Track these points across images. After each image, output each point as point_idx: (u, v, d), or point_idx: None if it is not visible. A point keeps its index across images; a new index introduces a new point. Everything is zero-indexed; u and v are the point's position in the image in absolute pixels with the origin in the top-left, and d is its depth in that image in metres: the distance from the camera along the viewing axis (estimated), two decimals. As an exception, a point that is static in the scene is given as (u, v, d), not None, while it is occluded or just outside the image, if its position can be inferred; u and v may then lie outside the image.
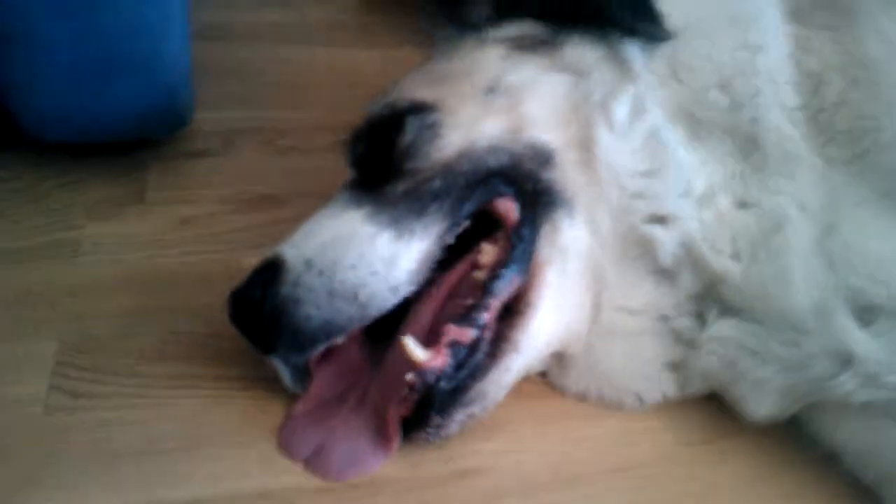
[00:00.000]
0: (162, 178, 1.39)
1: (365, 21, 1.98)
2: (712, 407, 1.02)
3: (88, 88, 1.24)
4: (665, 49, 1.00)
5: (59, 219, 1.28)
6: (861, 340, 0.86)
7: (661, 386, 1.02)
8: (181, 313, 1.12)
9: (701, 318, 0.99)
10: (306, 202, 1.04)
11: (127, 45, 1.21)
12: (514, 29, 1.08)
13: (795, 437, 0.99)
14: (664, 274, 0.98)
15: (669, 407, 1.03)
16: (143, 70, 1.25)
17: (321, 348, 0.94)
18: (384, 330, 0.98)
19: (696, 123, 0.97)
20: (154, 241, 1.26)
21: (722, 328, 0.96)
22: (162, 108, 1.31)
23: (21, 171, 1.36)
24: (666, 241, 0.95)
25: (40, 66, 1.21)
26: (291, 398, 1.00)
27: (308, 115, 1.56)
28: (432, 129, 1.01)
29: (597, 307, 0.99)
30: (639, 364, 1.01)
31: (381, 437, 0.94)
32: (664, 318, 0.99)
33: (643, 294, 0.98)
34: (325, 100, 1.60)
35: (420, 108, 1.03)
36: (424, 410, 0.92)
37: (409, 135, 1.01)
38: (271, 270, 0.95)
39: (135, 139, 1.39)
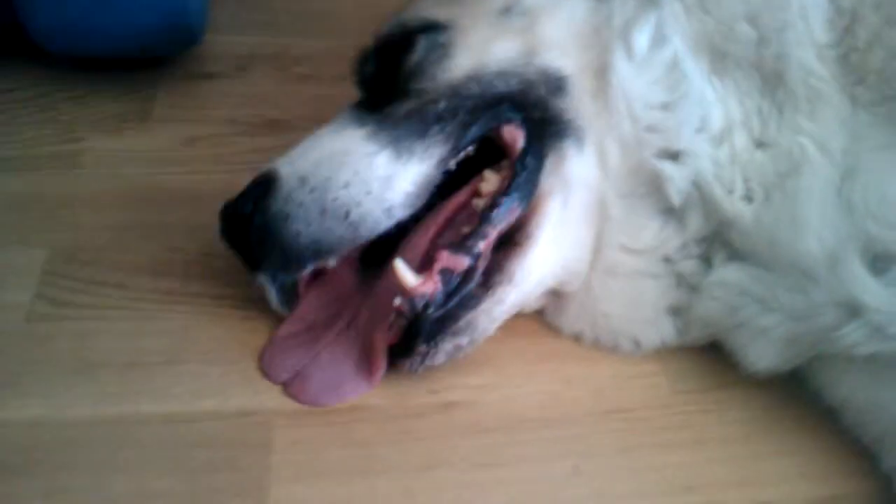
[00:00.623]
0: (170, 97, 1.36)
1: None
2: (711, 356, 0.98)
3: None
4: None
5: (62, 130, 1.27)
6: (872, 290, 0.81)
7: (660, 330, 0.98)
8: (176, 231, 1.11)
9: (707, 262, 0.95)
10: (314, 128, 1.00)
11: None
12: None
13: (795, 392, 0.95)
14: (671, 213, 0.93)
15: (667, 353, 0.99)
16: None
17: (309, 268, 0.92)
18: (382, 258, 0.94)
19: (719, 56, 0.92)
20: (156, 158, 1.24)
21: (727, 272, 0.92)
22: (171, 25, 1.28)
23: (29, 82, 1.35)
24: (676, 177, 0.91)
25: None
26: (280, 320, 0.98)
27: (328, 43, 1.51)
28: (442, 49, 0.97)
29: (598, 245, 0.95)
30: (638, 306, 0.97)
31: (366, 363, 0.91)
32: (668, 260, 0.95)
33: (648, 234, 0.94)
34: (348, 29, 1.51)
35: (431, 27, 0.99)
36: (411, 338, 0.89)
37: (417, 54, 0.97)
38: (264, 185, 0.92)
39: (143, 55, 1.37)
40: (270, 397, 0.91)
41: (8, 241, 1.06)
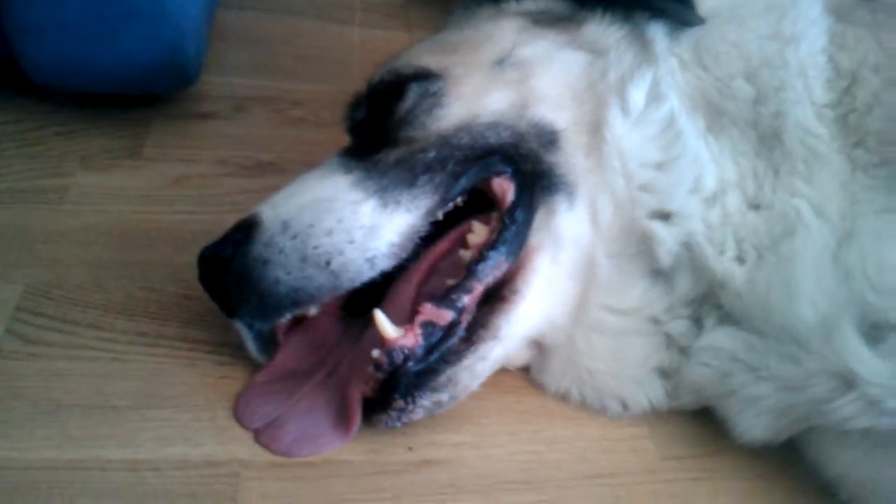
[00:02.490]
0: (163, 135, 1.35)
1: (408, 8, 1.92)
2: (702, 421, 0.95)
3: (92, 35, 1.21)
4: (691, 33, 0.94)
5: (51, 165, 1.25)
6: (867, 360, 0.78)
7: (647, 392, 0.95)
8: (156, 270, 1.08)
9: (698, 324, 0.92)
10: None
11: (133, -12, 1.17)
12: (533, 3, 1.04)
13: (789, 462, 0.91)
14: (660, 274, 0.91)
15: (655, 416, 0.96)
16: (147, 20, 1.21)
17: (288, 316, 0.89)
18: (365, 305, 0.92)
19: (716, 114, 0.91)
20: (143, 196, 1.22)
21: (718, 337, 0.89)
22: (166, 63, 1.27)
23: (21, 116, 1.33)
24: (667, 238, 0.89)
25: (44, 8, 1.18)
26: (256, 367, 0.95)
27: (326, 87, 1.51)
28: (434, 98, 0.95)
29: (582, 301, 0.93)
30: (625, 365, 0.94)
31: (342, 417, 0.88)
32: (655, 321, 0.93)
33: (634, 294, 0.92)
34: (348, 76, 1.52)
35: (424, 76, 0.98)
36: (388, 392, 0.86)
37: (409, 102, 0.96)
38: (246, 230, 0.90)
39: (138, 92, 1.36)
40: (240, 447, 0.88)
41: (-15, 274, 1.04)
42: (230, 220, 0.94)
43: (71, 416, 0.88)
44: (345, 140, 1.02)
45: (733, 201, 0.88)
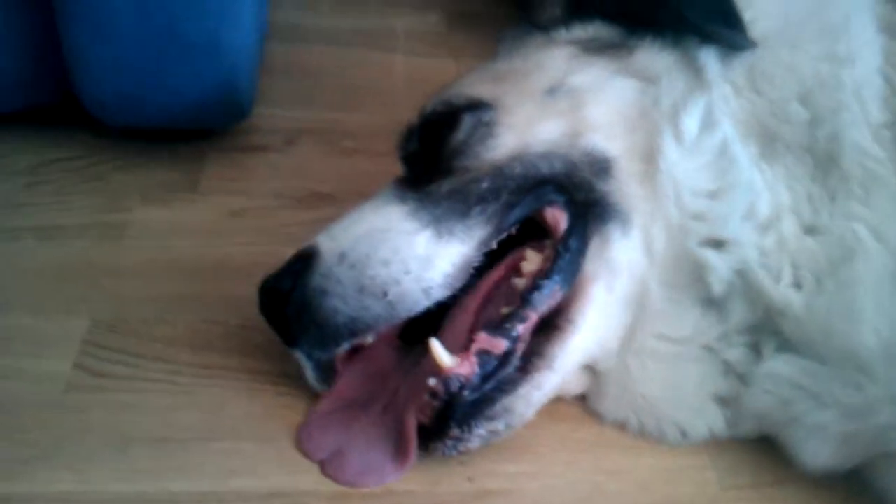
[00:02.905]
0: (218, 169, 1.38)
1: (451, 35, 1.94)
2: (763, 450, 0.93)
3: (148, 70, 1.25)
4: (744, 58, 0.93)
5: (110, 200, 1.29)
6: (933, 387, 0.77)
7: (707, 420, 0.94)
8: (218, 303, 1.10)
9: (757, 352, 0.91)
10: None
11: (188, 24, 1.21)
12: (583, 31, 1.04)
13: (856, 492, 0.89)
14: (712, 303, 0.91)
15: (716, 445, 0.95)
16: (202, 56, 1.25)
17: (346, 346, 0.90)
18: (422, 334, 0.92)
19: (770, 139, 0.90)
20: (202, 230, 1.25)
21: (778, 364, 0.88)
22: (221, 98, 1.30)
23: (80, 151, 1.38)
24: (720, 267, 0.88)
25: (102, 45, 1.22)
26: (316, 397, 0.96)
27: (376, 118, 1.52)
28: (487, 128, 0.96)
29: (635, 330, 0.93)
30: (681, 392, 0.93)
31: (400, 447, 0.89)
32: (710, 349, 0.92)
33: (687, 324, 0.92)
34: (397, 105, 1.53)
35: (476, 106, 0.98)
36: (444, 421, 0.86)
37: (462, 132, 0.97)
38: (305, 261, 0.92)
39: (193, 127, 1.39)
40: (304, 478, 0.89)
41: (52, 309, 1.07)
42: (287, 251, 0.95)
43: (138, 449, 0.90)
44: (397, 170, 1.03)
45: (789, 227, 0.87)
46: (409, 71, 1.77)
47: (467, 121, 0.97)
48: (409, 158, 1.04)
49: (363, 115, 1.56)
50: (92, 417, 0.93)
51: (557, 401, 0.95)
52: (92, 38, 1.21)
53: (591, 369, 0.96)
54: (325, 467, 0.90)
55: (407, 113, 1.05)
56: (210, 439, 0.92)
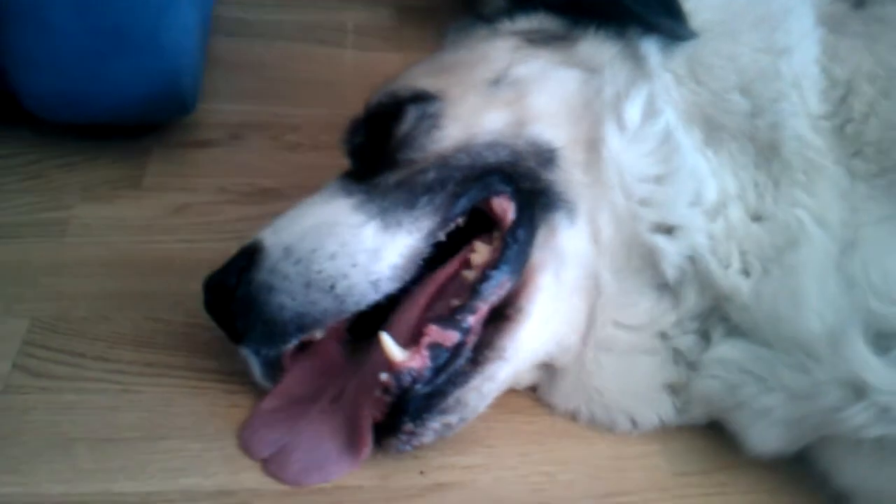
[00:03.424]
0: (162, 165, 1.36)
1: (402, 30, 1.94)
2: (712, 436, 0.95)
3: (89, 67, 1.22)
4: (685, 48, 0.94)
5: (51, 198, 1.26)
6: (876, 369, 0.78)
7: (657, 409, 0.95)
8: (162, 300, 1.08)
9: (705, 338, 0.92)
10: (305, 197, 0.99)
11: (129, 21, 1.18)
12: (527, 22, 1.04)
13: (801, 475, 0.91)
14: (666, 289, 0.91)
15: (665, 433, 0.96)
16: (144, 50, 1.22)
17: (294, 342, 0.89)
18: (370, 329, 0.92)
19: (712, 127, 0.91)
20: (145, 226, 1.23)
21: (726, 350, 0.89)
22: (163, 92, 1.28)
23: (20, 149, 1.34)
24: (671, 252, 0.89)
25: (42, 42, 1.19)
26: (264, 395, 0.94)
27: (321, 111, 1.50)
28: (431, 120, 0.96)
29: (591, 320, 0.93)
30: (634, 383, 0.94)
31: (352, 441, 0.87)
32: (664, 336, 0.93)
33: (642, 309, 0.92)
34: (345, 100, 1.52)
35: (421, 98, 0.98)
36: (398, 415, 0.85)
37: (407, 124, 0.96)
38: (249, 256, 0.90)
39: (136, 123, 1.37)
40: (251, 475, 0.88)
41: (-10, 307, 1.04)
42: (233, 247, 0.94)
43: (80, 450, 0.88)
44: (343, 164, 1.02)
45: (735, 213, 0.88)
46: (358, 65, 1.77)
47: (412, 113, 0.97)
48: (355, 152, 1.03)
49: (309, 110, 1.54)
50: (33, 418, 0.91)
51: (509, 393, 0.95)
52: (31, 33, 1.18)
53: (545, 362, 0.96)
54: (267, 465, 0.88)
55: (356, 107, 1.04)
56: (154, 438, 0.91)
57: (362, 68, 1.72)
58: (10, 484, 0.84)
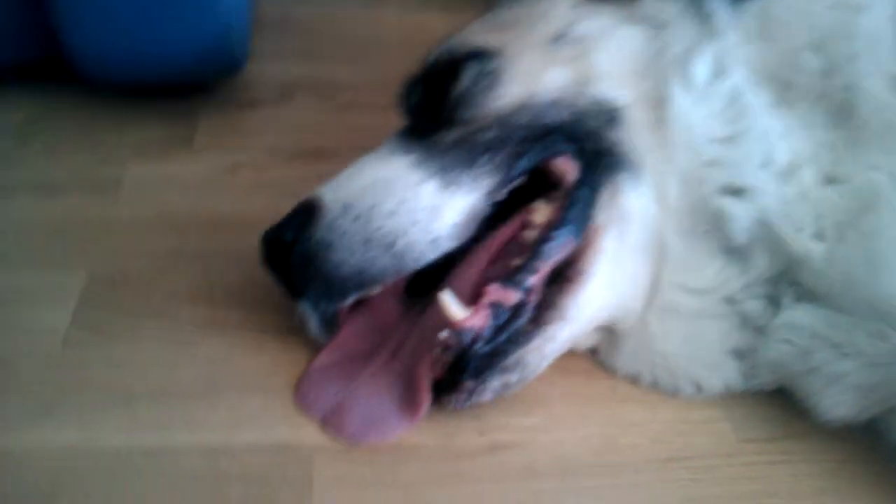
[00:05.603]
0: (213, 124, 1.35)
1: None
2: (780, 402, 0.92)
3: (140, 27, 1.22)
4: (755, 4, 0.91)
5: (103, 157, 1.26)
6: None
7: (723, 374, 0.92)
8: (218, 258, 1.08)
9: (774, 303, 0.89)
10: (360, 157, 0.97)
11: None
12: None
13: (872, 445, 0.88)
14: (734, 252, 0.88)
15: (731, 398, 0.93)
16: (195, 9, 1.22)
17: (352, 298, 0.88)
18: (427, 287, 0.91)
19: (783, 87, 0.88)
20: (198, 185, 1.22)
21: (798, 314, 0.86)
22: (214, 51, 1.27)
23: (72, 109, 1.34)
24: (740, 215, 0.86)
25: (92, 3, 1.19)
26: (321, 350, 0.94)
27: (372, 71, 1.49)
28: (490, 77, 0.94)
29: (655, 283, 0.91)
30: (700, 348, 0.92)
31: (409, 399, 0.87)
32: (731, 301, 0.90)
33: (709, 273, 0.89)
34: (392, 59, 1.51)
35: (479, 55, 0.96)
36: (457, 373, 0.84)
37: (465, 82, 0.94)
38: (307, 212, 0.90)
39: (187, 82, 1.36)
40: (311, 431, 0.87)
41: (47, 264, 1.05)
42: (286, 206, 0.93)
43: (141, 403, 0.88)
44: (394, 124, 1.00)
45: (808, 176, 0.85)
46: (406, 26, 1.74)
47: (470, 70, 0.95)
48: (412, 110, 1.01)
49: (358, 69, 1.53)
50: (92, 372, 0.91)
51: (569, 354, 0.93)
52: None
53: (608, 324, 0.94)
54: (325, 423, 0.88)
55: (402, 65, 1.02)
56: (214, 393, 0.90)
57: (411, 29, 1.69)
58: (71, 435, 0.84)
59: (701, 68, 0.89)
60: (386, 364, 0.91)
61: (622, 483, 0.85)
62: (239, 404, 0.89)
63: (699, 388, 0.93)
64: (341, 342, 0.93)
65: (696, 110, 0.88)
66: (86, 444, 0.84)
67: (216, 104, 1.39)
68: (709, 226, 0.88)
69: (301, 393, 0.91)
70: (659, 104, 0.89)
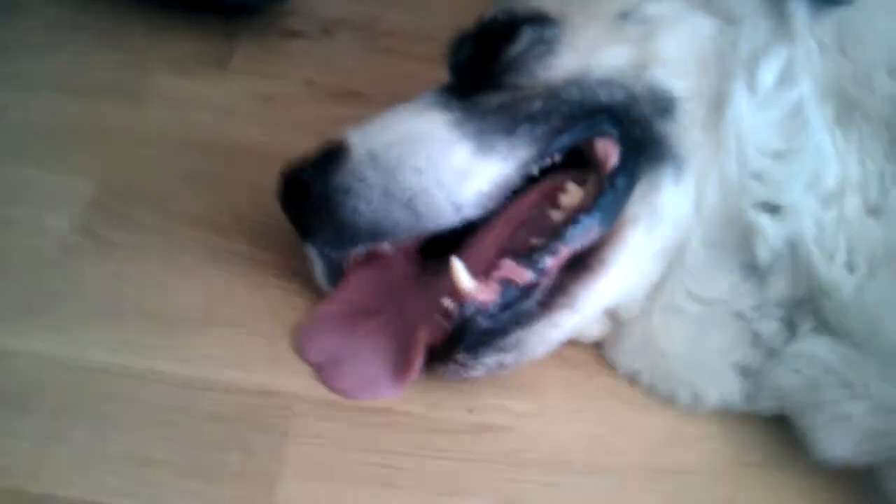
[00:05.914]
0: (250, 48, 1.31)
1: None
2: (777, 430, 0.89)
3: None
4: (836, 14, 0.86)
5: (133, 64, 1.22)
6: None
7: (723, 388, 0.89)
8: (236, 187, 1.05)
9: (791, 328, 0.85)
10: (395, 105, 0.93)
11: None
12: None
13: (861, 491, 0.85)
14: (754, 270, 0.85)
15: (727, 418, 0.90)
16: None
17: (362, 248, 0.86)
18: (442, 252, 0.88)
19: (848, 107, 0.83)
20: (227, 108, 1.18)
21: (812, 345, 0.83)
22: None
23: (110, 16, 1.29)
24: (771, 233, 0.82)
25: None
26: (320, 298, 0.92)
27: (419, 19, 1.44)
28: (547, 45, 0.89)
29: (664, 284, 0.88)
30: (701, 353, 0.88)
31: (402, 361, 0.84)
32: (741, 316, 0.87)
33: (722, 286, 0.86)
34: (444, 9, 1.48)
35: (539, 20, 0.91)
36: (453, 344, 0.82)
37: (520, 46, 0.90)
38: (332, 154, 0.86)
39: (229, 2, 1.31)
40: (296, 379, 0.85)
41: (59, 166, 1.02)
42: (314, 144, 0.89)
43: (129, 324, 0.86)
44: (435, 77, 0.96)
45: (852, 204, 0.81)
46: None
47: (527, 34, 0.91)
48: (458, 67, 0.97)
49: (408, 15, 1.47)
50: (86, 282, 0.89)
51: (571, 345, 0.91)
52: None
53: (612, 317, 0.92)
54: (320, 371, 0.86)
55: (449, 17, 0.98)
56: (204, 324, 0.88)
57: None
58: (52, 342, 0.83)
59: (768, 73, 0.84)
60: (387, 323, 0.89)
61: (605, 486, 0.82)
62: (227, 341, 0.87)
63: (696, 399, 0.90)
64: (350, 293, 0.91)
65: (754, 117, 0.84)
66: (65, 355, 0.82)
67: (258, 29, 1.35)
68: (735, 239, 0.85)
69: (302, 336, 0.88)
70: (717, 103, 0.85)
